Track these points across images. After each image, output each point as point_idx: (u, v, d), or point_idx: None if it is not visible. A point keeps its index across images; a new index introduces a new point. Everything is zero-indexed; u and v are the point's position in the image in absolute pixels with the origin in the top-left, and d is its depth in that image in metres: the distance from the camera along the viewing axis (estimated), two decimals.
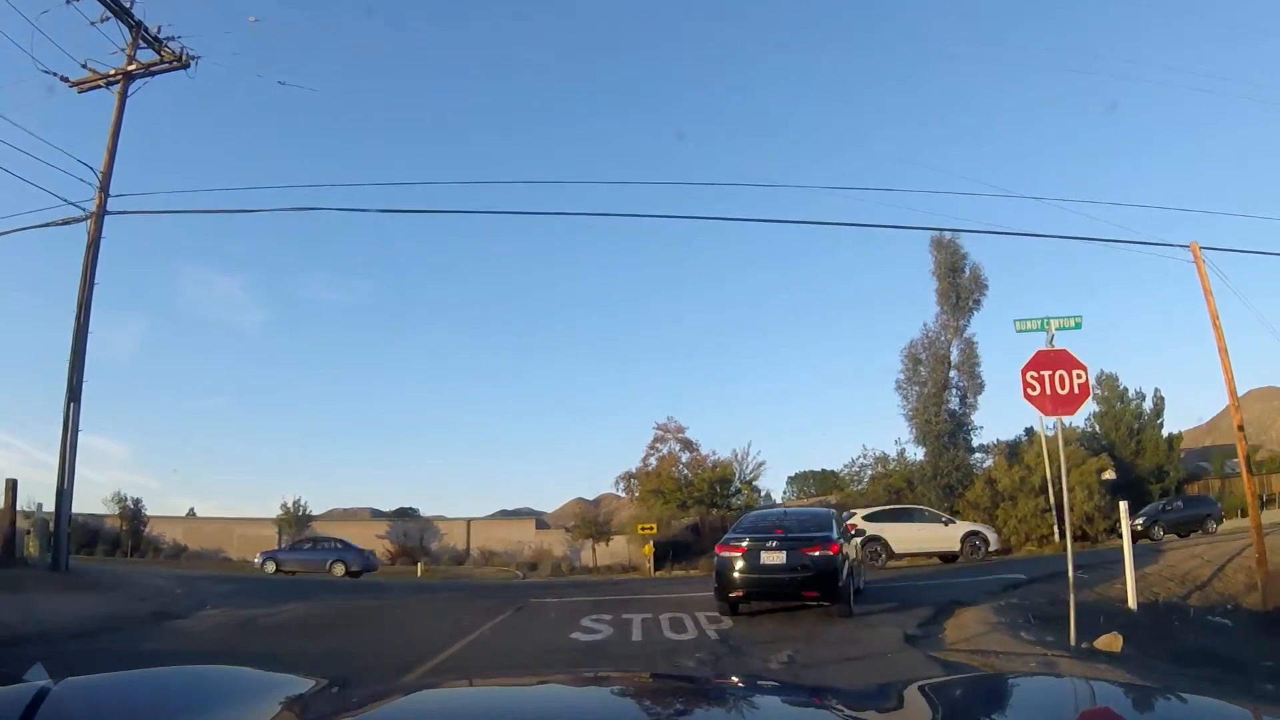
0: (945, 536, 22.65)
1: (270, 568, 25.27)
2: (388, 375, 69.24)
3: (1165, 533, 24.92)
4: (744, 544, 9.93)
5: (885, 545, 21.52)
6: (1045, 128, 62.60)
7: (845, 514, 23.36)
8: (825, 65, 65.77)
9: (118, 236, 60.80)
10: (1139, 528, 24.87)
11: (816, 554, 9.78)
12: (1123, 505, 12.72)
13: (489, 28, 65.64)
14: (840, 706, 1.55)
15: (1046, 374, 9.47)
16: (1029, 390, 9.41)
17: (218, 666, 1.82)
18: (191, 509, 42.42)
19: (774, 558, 9.75)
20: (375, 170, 67.65)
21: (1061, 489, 9.55)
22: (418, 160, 60.15)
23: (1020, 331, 9.75)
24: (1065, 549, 9.70)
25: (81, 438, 15.20)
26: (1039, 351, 9.61)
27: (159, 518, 35.51)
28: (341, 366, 68.82)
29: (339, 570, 24.40)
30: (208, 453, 63.68)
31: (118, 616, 11.26)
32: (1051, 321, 9.61)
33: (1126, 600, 12.03)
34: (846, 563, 10.33)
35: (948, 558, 22.12)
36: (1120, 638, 9.09)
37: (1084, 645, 9.02)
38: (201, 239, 66.29)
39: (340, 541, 26.80)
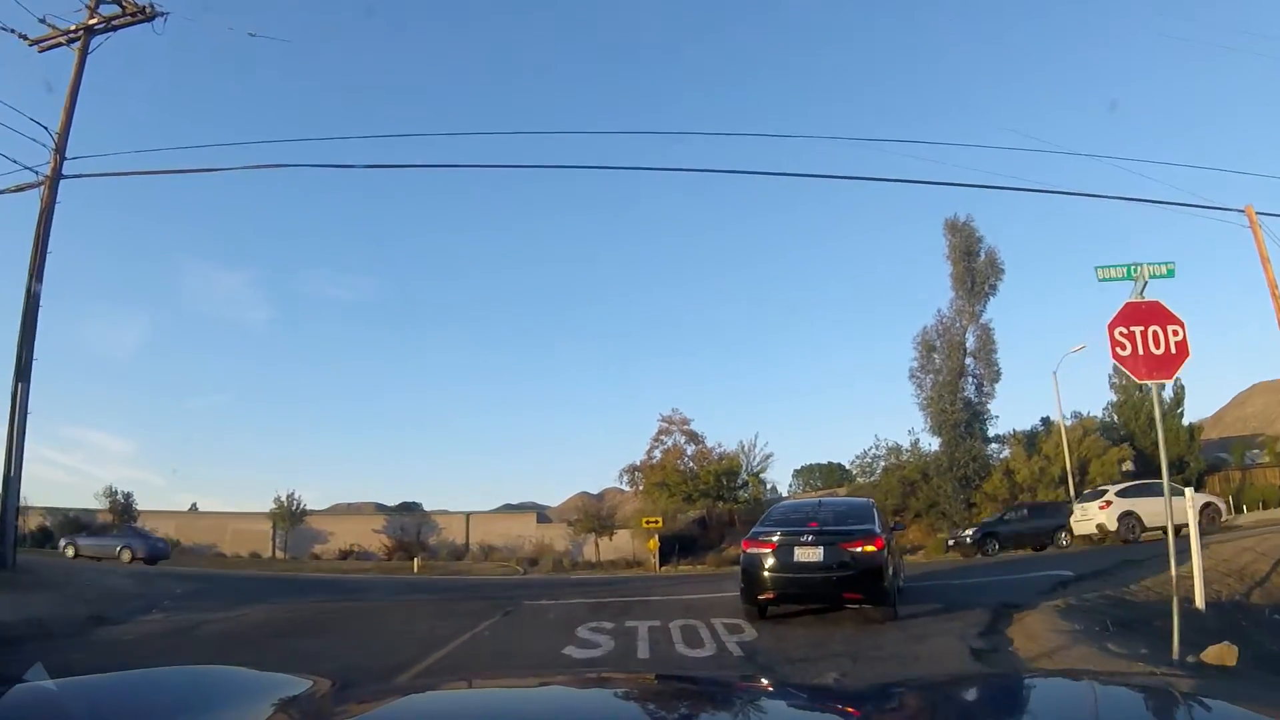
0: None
1: (70, 551, 25.78)
2: (392, 371, 67.59)
3: (1002, 548, 22.73)
4: (774, 539, 8.17)
5: (1139, 519, 21.33)
6: (1050, 121, 60.53)
7: (1090, 491, 23.20)
8: (826, 62, 63.85)
9: (122, 233, 59.26)
10: (967, 540, 23.29)
11: (859, 549, 7.99)
12: (1189, 491, 10.86)
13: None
14: (844, 707, 1.53)
15: (1138, 330, 7.66)
16: (1118, 350, 7.59)
17: (217, 666, 1.73)
18: (194, 504, 41.04)
19: (810, 554, 7.96)
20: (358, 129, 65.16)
21: (1160, 461, 7.74)
22: (400, 118, 57.47)
23: (1103, 280, 7.90)
24: (1165, 538, 7.84)
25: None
26: (1127, 304, 7.79)
27: (151, 512, 33.85)
28: (346, 363, 67.18)
29: (126, 556, 24.69)
30: (212, 449, 62.01)
31: (43, 621, 9.50)
32: (1142, 268, 7.76)
33: (1193, 599, 10.30)
34: (891, 559, 8.51)
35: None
36: (1234, 649, 7.20)
37: (1189, 658, 7.17)
38: (205, 235, 64.58)
39: (131, 528, 27.59)
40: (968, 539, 23.39)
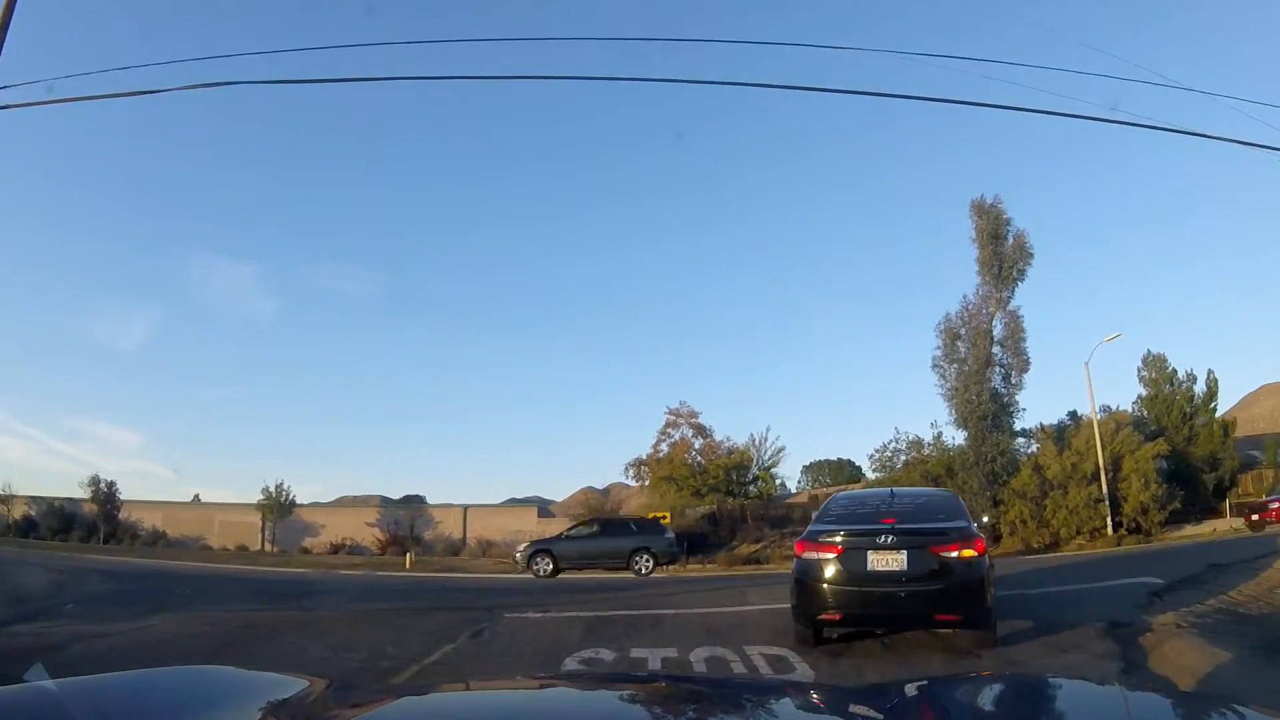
0: None
1: None
2: (399, 365, 64.95)
3: (559, 569, 18.79)
4: (838, 540, 5.80)
5: None
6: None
7: None
8: (829, 56, 61.17)
9: (128, 227, 57.32)
10: (516, 559, 19.84)
11: (954, 555, 5.64)
12: None
13: None
14: (847, 707, 1.50)
15: None
16: None
17: (215, 666, 1.64)
18: (196, 495, 38.87)
19: (888, 560, 5.59)
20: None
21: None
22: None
23: None
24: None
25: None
26: None
27: (137, 502, 31.58)
28: (352, 355, 64.67)
29: None
30: (217, 442, 59.69)
31: None
32: None
33: None
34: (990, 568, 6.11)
35: None
36: None
37: None
38: (211, 227, 62.41)
39: None
40: (516, 557, 19.89)
